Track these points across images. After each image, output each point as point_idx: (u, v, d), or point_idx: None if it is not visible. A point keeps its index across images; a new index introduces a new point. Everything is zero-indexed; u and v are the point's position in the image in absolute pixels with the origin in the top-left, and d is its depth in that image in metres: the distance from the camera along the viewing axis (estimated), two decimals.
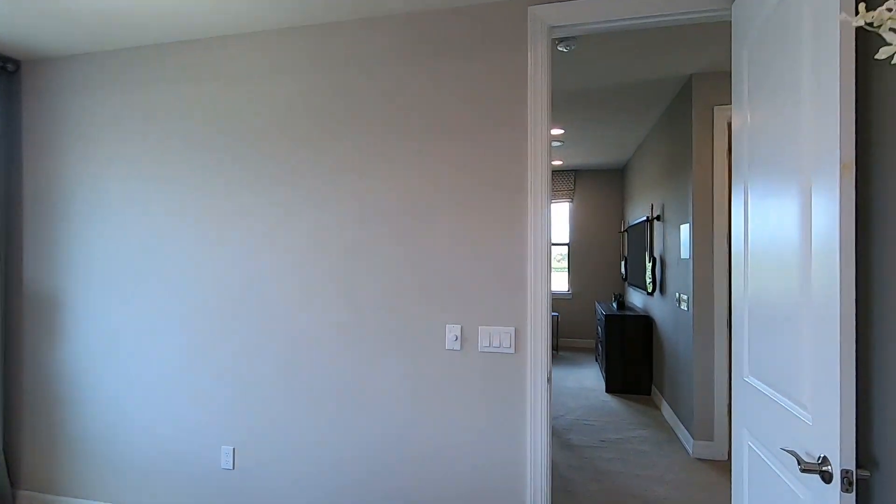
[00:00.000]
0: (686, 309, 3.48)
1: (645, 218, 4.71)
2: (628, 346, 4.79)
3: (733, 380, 1.62)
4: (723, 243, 3.30)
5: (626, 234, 6.32)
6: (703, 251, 3.34)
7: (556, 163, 6.58)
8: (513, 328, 1.98)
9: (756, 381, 1.41)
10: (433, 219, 2.05)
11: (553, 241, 7.34)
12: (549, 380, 1.98)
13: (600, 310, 5.42)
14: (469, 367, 2.01)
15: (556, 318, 7.07)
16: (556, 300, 7.27)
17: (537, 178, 1.95)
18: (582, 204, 7.19)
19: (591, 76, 3.40)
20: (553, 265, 7.32)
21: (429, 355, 2.05)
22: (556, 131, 4.89)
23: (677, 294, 3.72)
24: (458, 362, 2.02)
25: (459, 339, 2.02)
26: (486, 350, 2.00)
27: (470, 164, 2.02)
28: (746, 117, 1.52)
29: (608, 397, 4.69)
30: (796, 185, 1.19)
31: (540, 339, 1.96)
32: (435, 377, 2.04)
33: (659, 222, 4.31)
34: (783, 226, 1.25)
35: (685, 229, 3.50)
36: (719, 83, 3.33)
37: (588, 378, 5.44)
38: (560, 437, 3.62)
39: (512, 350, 1.98)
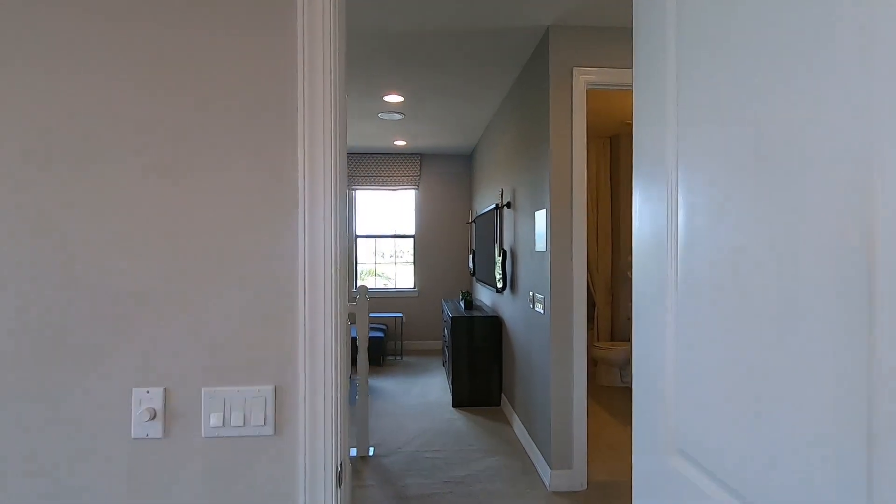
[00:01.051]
0: (542, 311, 2.91)
1: (494, 206, 4.13)
2: (477, 351, 4.19)
3: (636, 458, 0.91)
4: (583, 233, 2.77)
5: (473, 224, 5.80)
6: (562, 243, 2.78)
7: (399, 143, 5.77)
8: (270, 387, 1.03)
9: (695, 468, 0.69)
10: (101, 180, 0.99)
11: (398, 232, 6.55)
12: (339, 479, 1.07)
13: (447, 310, 4.75)
14: (180, 475, 1.01)
15: (400, 318, 6.30)
16: (402, 298, 6.50)
17: (319, 154, 1.02)
18: (429, 192, 6.51)
19: (426, 15, 2.60)
20: (397, 260, 6.54)
21: (91, 455, 0.99)
22: (393, 99, 4.04)
23: (531, 293, 3.16)
24: (156, 464, 1.01)
25: (161, 416, 1.00)
26: (216, 435, 1.02)
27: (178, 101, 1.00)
28: (674, 88, 0.80)
29: (455, 414, 4.03)
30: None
31: (323, 403, 1.04)
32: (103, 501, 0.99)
33: (510, 210, 3.74)
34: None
35: (541, 217, 2.92)
36: (581, 39, 2.78)
37: (434, 389, 4.76)
38: (395, 486, 2.79)
39: (269, 430, 1.03)
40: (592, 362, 5.44)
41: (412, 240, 6.59)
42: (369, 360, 5.69)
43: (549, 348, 2.78)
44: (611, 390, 4.69)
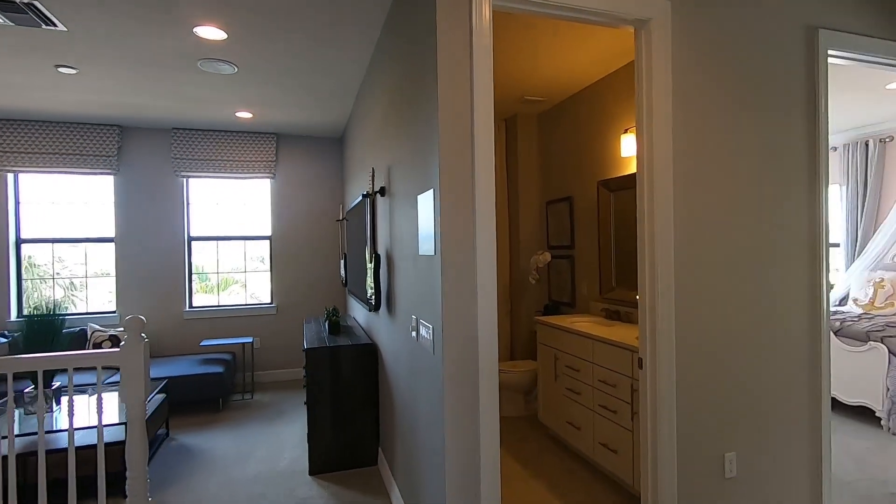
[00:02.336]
0: (429, 345, 1.88)
1: (363, 194, 3.02)
2: (344, 394, 3.04)
3: None
4: (492, 227, 1.79)
5: (345, 222, 4.62)
6: (460, 243, 1.78)
7: (243, 115, 4.39)
8: None
9: None
10: None
11: (249, 233, 5.12)
12: None
13: (306, 335, 3.53)
14: None
15: (250, 344, 4.88)
16: (255, 317, 5.09)
17: None
18: (290, 182, 5.18)
19: None
20: (250, 267, 5.11)
21: None
22: (212, 34, 2.74)
23: (413, 318, 2.12)
24: None
25: None
26: None
27: None
28: None
29: (313, 487, 2.84)
30: None
31: None
32: None
33: (384, 198, 2.67)
34: None
35: (426, 203, 1.89)
36: None
37: (290, 443, 3.50)
38: None
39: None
40: None
41: (268, 242, 5.21)
42: (205, 403, 4.23)
43: (441, 397, 1.75)
44: (515, 423, 3.84)
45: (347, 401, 3.04)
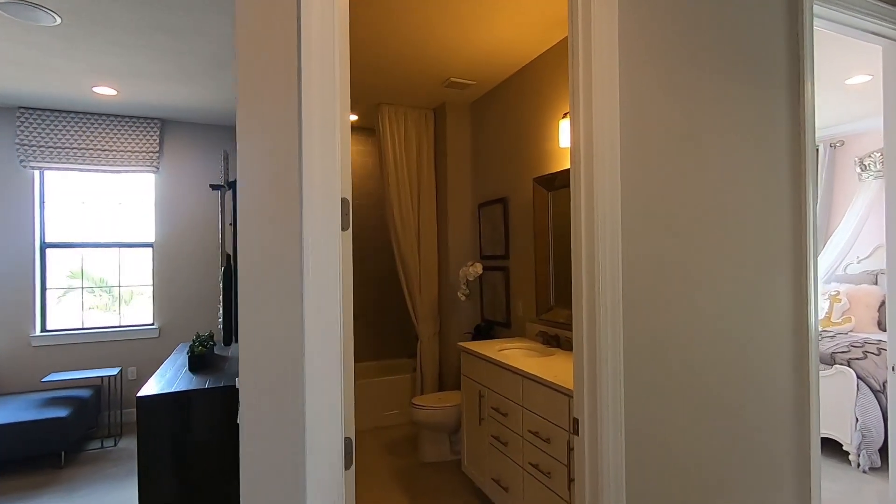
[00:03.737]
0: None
1: (210, 185, 2.27)
2: (192, 461, 2.25)
3: None
4: (335, 203, 1.10)
5: (234, 225, 3.82)
6: (271, 217, 1.08)
7: (104, 91, 3.52)
8: None
9: None
10: None
11: (121, 240, 4.22)
12: None
13: (161, 372, 2.70)
14: None
15: (117, 376, 3.96)
16: (132, 342, 4.17)
17: None
18: (176, 178, 4.31)
19: None
20: (125, 281, 4.21)
21: None
22: None
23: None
24: None
25: None
26: None
27: None
28: None
29: None
30: None
31: None
32: None
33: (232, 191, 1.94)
34: None
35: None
36: None
37: None
38: None
39: None
40: (411, 429, 3.89)
41: (150, 250, 4.31)
42: (42, 458, 3.29)
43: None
44: (437, 470, 3.15)
45: (197, 469, 2.25)
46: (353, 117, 4.19)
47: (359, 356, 4.53)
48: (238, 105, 1.00)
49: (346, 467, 1.20)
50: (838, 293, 4.32)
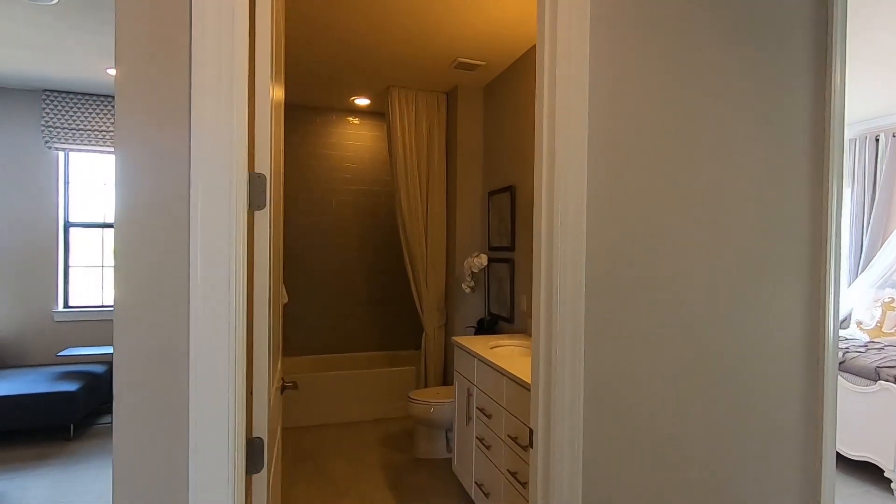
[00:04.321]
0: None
1: None
2: None
3: None
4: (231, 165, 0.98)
5: None
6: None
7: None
8: None
9: None
10: None
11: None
12: None
13: None
14: None
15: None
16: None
17: None
18: None
19: None
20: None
21: None
22: None
23: None
24: None
25: None
26: None
27: None
28: None
29: None
30: None
31: None
32: None
33: None
34: None
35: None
36: None
37: None
38: None
39: None
40: (410, 423, 3.79)
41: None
42: (51, 431, 3.41)
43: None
44: (430, 468, 3.03)
45: None
46: (365, 101, 4.09)
47: (365, 346, 4.47)
48: (116, 60, 0.90)
49: (255, 470, 1.10)
50: (892, 300, 3.87)
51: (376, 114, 4.45)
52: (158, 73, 0.92)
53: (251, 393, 1.10)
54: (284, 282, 4.24)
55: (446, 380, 3.89)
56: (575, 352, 1.20)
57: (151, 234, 0.93)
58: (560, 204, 1.19)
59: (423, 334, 3.81)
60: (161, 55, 0.92)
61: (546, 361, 1.23)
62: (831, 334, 1.41)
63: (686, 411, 1.30)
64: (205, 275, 0.94)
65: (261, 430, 1.10)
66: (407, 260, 3.75)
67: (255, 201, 1.07)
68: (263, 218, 1.10)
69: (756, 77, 1.35)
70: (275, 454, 1.58)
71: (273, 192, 1.21)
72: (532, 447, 1.28)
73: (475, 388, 2.44)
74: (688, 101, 1.29)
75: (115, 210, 0.92)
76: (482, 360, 2.33)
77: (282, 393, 1.69)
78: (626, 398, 1.25)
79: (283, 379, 1.71)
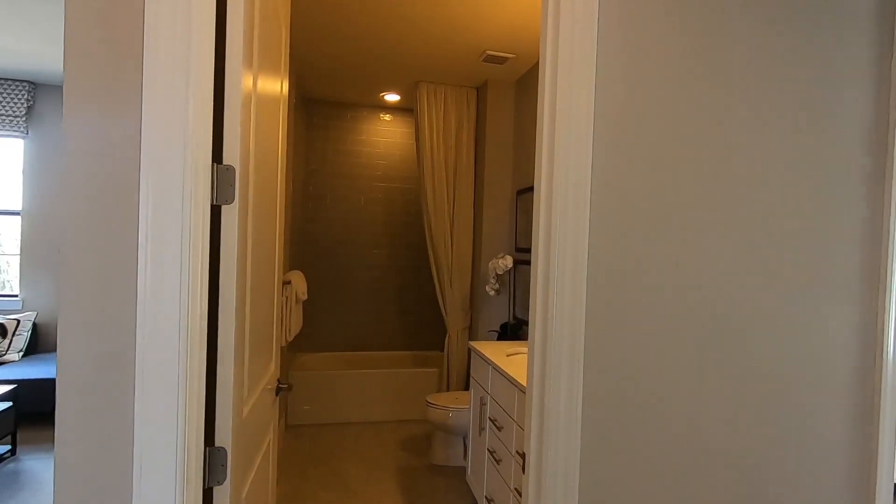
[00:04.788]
0: None
1: None
2: None
3: None
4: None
5: None
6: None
7: None
8: None
9: None
10: None
11: None
12: None
13: None
14: None
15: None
16: None
17: None
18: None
19: None
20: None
21: None
22: None
23: None
24: None
25: None
26: None
27: None
28: None
29: None
30: None
31: None
32: None
33: None
34: None
35: None
36: None
37: None
38: None
39: None
40: (431, 427, 3.71)
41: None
42: None
43: None
44: (446, 475, 2.93)
45: None
46: (395, 97, 4.03)
47: (391, 345, 4.43)
48: (65, 42, 0.84)
49: (217, 482, 1.03)
50: None
51: (407, 110, 4.39)
52: (109, 59, 0.86)
53: (213, 400, 1.03)
54: (308, 278, 4.25)
55: (468, 384, 3.77)
56: (572, 373, 1.07)
57: (99, 229, 0.87)
58: (557, 203, 1.06)
59: (446, 336, 3.71)
60: (112, 41, 0.86)
61: (540, 380, 1.10)
62: (890, 361, 1.20)
63: (714, 447, 1.13)
64: (153, 271, 0.88)
65: (224, 439, 1.03)
66: (431, 258, 3.66)
67: (222, 195, 1.00)
68: (232, 213, 1.03)
69: (807, 68, 1.16)
70: (270, 458, 1.53)
71: (252, 186, 1.15)
72: (524, 473, 1.16)
73: (488, 398, 2.32)
74: (717, 99, 1.12)
75: (64, 202, 0.87)
76: (496, 369, 2.20)
77: (276, 395, 1.64)
78: (638, 427, 1.10)
79: (278, 380, 1.66)
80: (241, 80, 1.03)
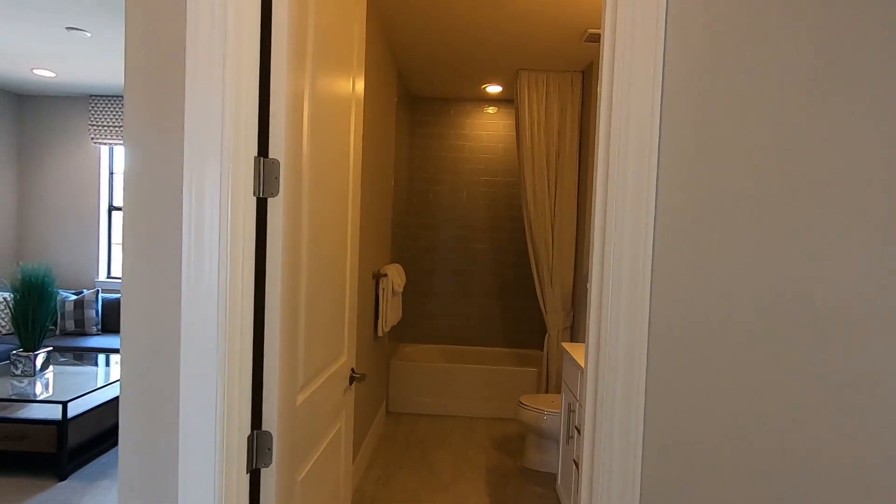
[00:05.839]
0: None
1: None
2: None
3: None
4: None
5: None
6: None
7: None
8: None
9: None
10: None
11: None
12: None
13: None
14: None
15: None
16: None
17: None
18: None
19: None
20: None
21: None
22: None
23: None
24: None
25: None
26: None
27: None
28: None
29: None
30: None
31: None
32: None
33: None
34: None
35: None
36: None
37: None
38: None
39: None
40: (520, 429, 3.58)
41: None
42: None
43: None
44: (541, 480, 2.81)
45: None
46: (497, 88, 3.95)
47: (494, 341, 4.37)
48: (125, 66, 0.93)
49: (265, 464, 1.08)
50: None
51: (510, 101, 4.28)
52: (157, 69, 0.93)
53: (260, 386, 1.08)
54: (411, 272, 4.37)
55: None
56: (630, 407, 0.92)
57: (152, 223, 0.95)
58: (614, 189, 0.91)
59: (546, 336, 3.56)
60: (158, 56, 0.93)
61: (592, 395, 0.97)
62: None
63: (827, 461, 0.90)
64: (195, 260, 0.93)
65: (270, 423, 1.08)
66: (531, 255, 3.53)
67: (267, 188, 1.04)
68: (277, 205, 1.06)
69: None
70: (341, 445, 1.58)
71: (307, 180, 1.18)
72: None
73: (577, 404, 2.15)
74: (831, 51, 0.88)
75: (123, 203, 0.96)
76: (583, 372, 2.03)
77: (350, 384, 1.69)
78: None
79: (352, 370, 1.70)
80: (285, 79, 1.06)
